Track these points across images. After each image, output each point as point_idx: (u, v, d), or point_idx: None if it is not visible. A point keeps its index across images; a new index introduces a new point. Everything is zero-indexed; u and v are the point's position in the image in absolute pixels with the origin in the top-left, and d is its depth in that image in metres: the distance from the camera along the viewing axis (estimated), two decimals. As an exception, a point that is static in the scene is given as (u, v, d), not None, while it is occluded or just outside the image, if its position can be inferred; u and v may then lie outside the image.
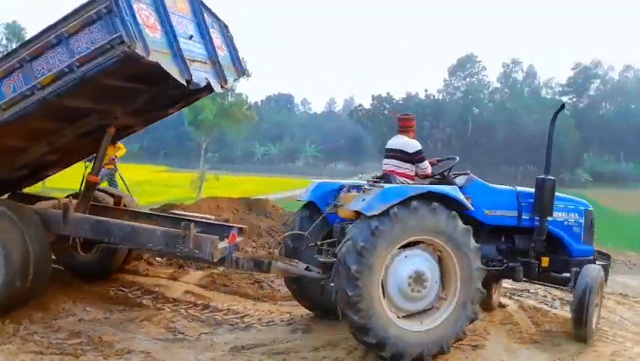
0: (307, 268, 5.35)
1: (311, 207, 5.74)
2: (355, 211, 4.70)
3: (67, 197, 6.37)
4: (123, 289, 6.78)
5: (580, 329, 5.29)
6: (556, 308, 6.84)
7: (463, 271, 4.75)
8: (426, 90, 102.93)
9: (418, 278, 4.65)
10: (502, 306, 6.69)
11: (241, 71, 6.25)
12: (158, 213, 7.48)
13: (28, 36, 5.82)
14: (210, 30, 5.64)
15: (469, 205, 4.95)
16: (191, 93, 6.09)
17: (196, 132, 54.23)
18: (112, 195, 7.17)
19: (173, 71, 4.97)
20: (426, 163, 5.65)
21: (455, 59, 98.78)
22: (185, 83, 5.10)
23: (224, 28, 5.99)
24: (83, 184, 6.28)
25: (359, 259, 4.41)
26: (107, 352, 4.79)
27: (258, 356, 4.77)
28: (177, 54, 4.98)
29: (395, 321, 4.60)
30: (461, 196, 4.86)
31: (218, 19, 5.89)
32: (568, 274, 5.49)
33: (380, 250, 4.48)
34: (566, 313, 6.56)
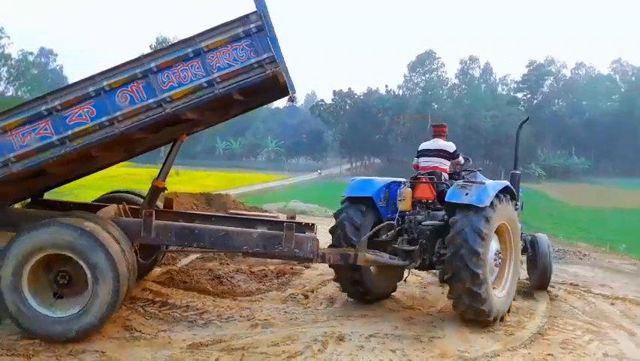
0: (390, 257, 5.97)
1: (365, 202, 6.26)
2: (453, 203, 5.58)
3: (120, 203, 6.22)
4: (78, 287, 6.57)
5: (546, 283, 7.42)
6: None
7: (516, 245, 6.28)
8: (386, 86, 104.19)
9: (498, 253, 5.86)
10: (458, 297, 6.81)
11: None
12: (214, 214, 7.20)
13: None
14: None
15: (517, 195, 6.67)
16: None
17: (156, 127, 53.25)
18: (142, 197, 6.70)
19: (289, 85, 5.07)
20: (461, 158, 6.97)
21: (415, 55, 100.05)
22: (290, 95, 5.36)
23: None
24: (150, 190, 6.03)
25: (483, 242, 5.37)
26: (60, 352, 4.64)
27: (216, 352, 4.71)
28: (287, 69, 4.98)
29: (493, 291, 5.68)
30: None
31: None
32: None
33: (491, 234, 5.57)
34: (519, 302, 6.75)
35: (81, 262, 4.82)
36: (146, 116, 4.80)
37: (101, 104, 4.74)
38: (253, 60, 4.75)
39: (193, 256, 8.46)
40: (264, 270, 7.79)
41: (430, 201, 6.32)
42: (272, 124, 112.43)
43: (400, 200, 6.24)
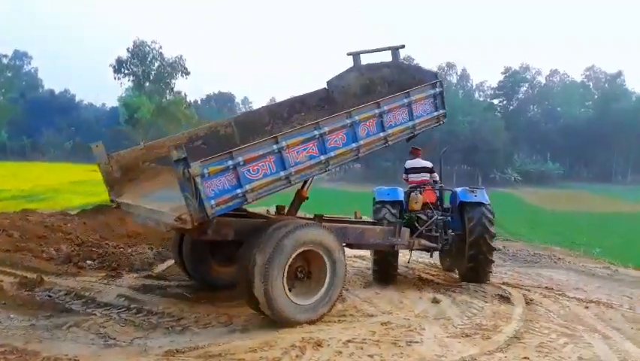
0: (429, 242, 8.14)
1: (397, 205, 8.10)
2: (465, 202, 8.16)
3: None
4: (50, 294, 6.45)
5: None
6: (487, 302, 7.07)
7: None
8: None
9: None
10: (436, 301, 6.86)
11: None
12: (338, 217, 7.98)
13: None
14: None
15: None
16: None
17: (133, 131, 52.44)
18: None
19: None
20: (435, 173, 9.06)
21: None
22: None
23: None
24: (295, 198, 6.85)
25: (492, 225, 7.97)
26: (32, 360, 4.53)
27: (193, 359, 4.64)
28: None
29: None
30: None
31: None
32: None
33: None
34: (495, 306, 6.82)
35: (326, 258, 5.84)
36: (376, 146, 6.41)
37: (350, 133, 6.07)
38: (435, 113, 7.04)
39: (170, 262, 8.36)
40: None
41: (432, 203, 8.52)
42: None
43: (415, 202, 8.35)
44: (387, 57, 7.94)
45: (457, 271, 9.06)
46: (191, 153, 5.08)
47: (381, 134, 6.41)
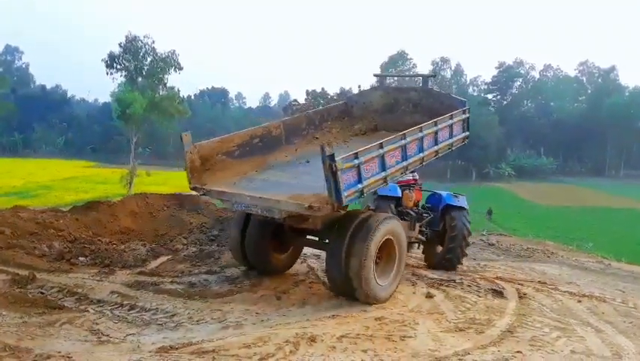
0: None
1: (393, 200, 8.99)
2: (450, 205, 9.31)
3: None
4: (43, 291, 6.41)
5: None
6: (480, 297, 7.10)
7: None
8: (359, 86, 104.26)
9: None
10: (430, 296, 6.88)
11: None
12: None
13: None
14: None
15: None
16: None
17: (125, 126, 52.04)
18: None
19: None
20: (416, 173, 9.28)
21: (387, 56, 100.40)
22: None
23: None
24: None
25: (469, 227, 9.28)
26: (25, 357, 4.50)
27: (187, 355, 4.63)
28: None
29: None
30: None
31: None
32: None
33: None
34: (489, 301, 6.86)
35: (396, 246, 6.76)
36: (430, 157, 7.59)
37: (419, 144, 7.21)
38: (463, 134, 8.41)
39: (163, 258, 8.35)
40: (235, 272, 7.72)
41: (419, 202, 9.54)
42: (245, 124, 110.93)
43: (409, 200, 9.20)
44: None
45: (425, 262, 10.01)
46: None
47: (435, 148, 7.62)
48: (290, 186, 6.47)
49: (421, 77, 9.76)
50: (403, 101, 9.25)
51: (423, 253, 10.05)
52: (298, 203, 5.81)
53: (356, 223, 6.35)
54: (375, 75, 10.78)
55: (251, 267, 7.62)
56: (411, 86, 9.94)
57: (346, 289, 6.33)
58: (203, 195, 6.97)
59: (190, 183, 6.63)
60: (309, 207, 5.68)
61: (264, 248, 7.46)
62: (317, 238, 7.21)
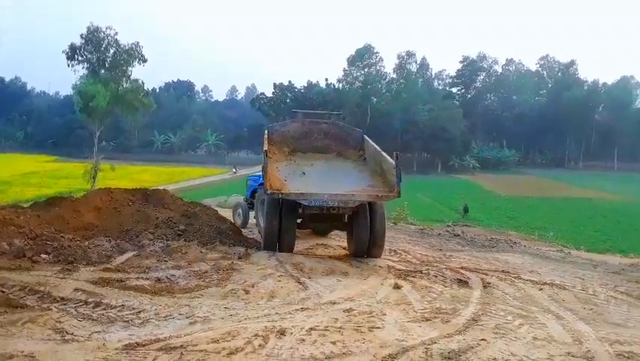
0: None
1: None
2: None
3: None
4: (4, 290, 6.20)
5: None
6: (446, 287, 7.22)
7: None
8: (326, 79, 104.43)
9: None
10: (397, 287, 6.96)
11: None
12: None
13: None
14: None
15: None
16: None
17: (88, 120, 50.71)
18: None
19: None
20: None
21: (354, 49, 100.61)
22: None
23: None
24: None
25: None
26: (-15, 358, 4.36)
27: (154, 352, 4.56)
28: None
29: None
30: None
31: None
32: None
33: None
34: (455, 291, 6.97)
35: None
36: None
37: None
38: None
39: (129, 254, 8.19)
40: (203, 266, 7.64)
41: None
42: (211, 117, 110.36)
43: None
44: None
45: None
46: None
47: None
48: (332, 185, 9.04)
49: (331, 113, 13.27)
50: (316, 130, 11.40)
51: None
52: (371, 194, 8.93)
53: (370, 207, 9.13)
54: (293, 111, 13.33)
55: (275, 250, 9.14)
56: (322, 120, 12.19)
57: (369, 248, 9.18)
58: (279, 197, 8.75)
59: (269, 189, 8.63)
60: (381, 195, 8.85)
61: (294, 232, 9.37)
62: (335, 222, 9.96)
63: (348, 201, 8.76)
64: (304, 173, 9.67)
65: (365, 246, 9.21)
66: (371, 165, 10.26)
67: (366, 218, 9.06)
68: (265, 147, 9.48)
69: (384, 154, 9.60)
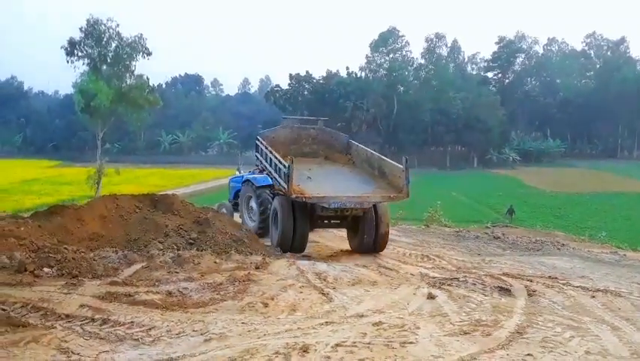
0: None
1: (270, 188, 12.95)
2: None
3: None
4: (4, 307, 6.34)
5: None
6: (486, 295, 7.16)
7: None
8: (347, 68, 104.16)
9: None
10: (431, 297, 6.92)
11: None
12: None
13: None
14: None
15: None
16: None
17: (90, 121, 51.52)
18: None
19: None
20: None
21: (377, 33, 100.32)
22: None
23: None
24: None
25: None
26: (-13, 381, 4.47)
27: (166, 373, 4.63)
28: None
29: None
30: None
31: None
32: None
33: None
34: (496, 300, 6.90)
35: None
36: None
37: None
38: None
39: (137, 266, 8.30)
40: (218, 277, 7.70)
41: None
42: (222, 114, 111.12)
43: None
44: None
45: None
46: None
47: None
48: (343, 188, 10.79)
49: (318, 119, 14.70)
50: (305, 135, 13.48)
51: None
52: (384, 195, 10.73)
53: (374, 206, 10.96)
54: (283, 118, 15.28)
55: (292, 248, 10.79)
56: (310, 126, 14.11)
57: (374, 244, 11.04)
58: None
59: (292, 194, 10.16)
60: (392, 197, 10.63)
61: (307, 233, 11.19)
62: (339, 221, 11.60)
63: (363, 202, 10.49)
64: (310, 177, 11.18)
65: (372, 241, 11.01)
66: (365, 168, 12.13)
67: (372, 216, 10.88)
68: (281, 155, 11.17)
69: (385, 158, 11.59)
